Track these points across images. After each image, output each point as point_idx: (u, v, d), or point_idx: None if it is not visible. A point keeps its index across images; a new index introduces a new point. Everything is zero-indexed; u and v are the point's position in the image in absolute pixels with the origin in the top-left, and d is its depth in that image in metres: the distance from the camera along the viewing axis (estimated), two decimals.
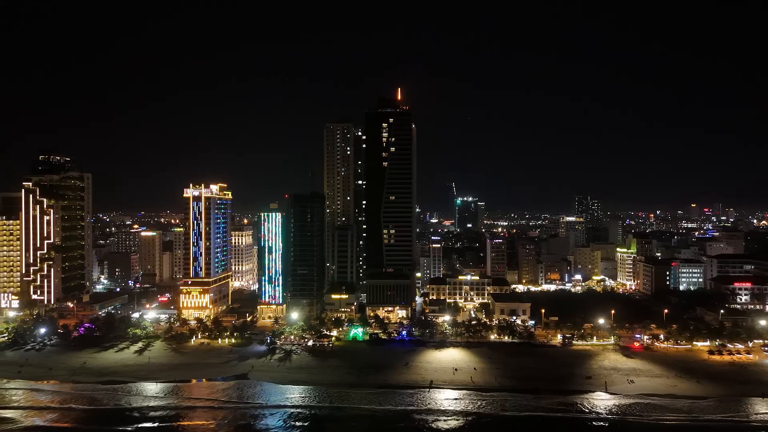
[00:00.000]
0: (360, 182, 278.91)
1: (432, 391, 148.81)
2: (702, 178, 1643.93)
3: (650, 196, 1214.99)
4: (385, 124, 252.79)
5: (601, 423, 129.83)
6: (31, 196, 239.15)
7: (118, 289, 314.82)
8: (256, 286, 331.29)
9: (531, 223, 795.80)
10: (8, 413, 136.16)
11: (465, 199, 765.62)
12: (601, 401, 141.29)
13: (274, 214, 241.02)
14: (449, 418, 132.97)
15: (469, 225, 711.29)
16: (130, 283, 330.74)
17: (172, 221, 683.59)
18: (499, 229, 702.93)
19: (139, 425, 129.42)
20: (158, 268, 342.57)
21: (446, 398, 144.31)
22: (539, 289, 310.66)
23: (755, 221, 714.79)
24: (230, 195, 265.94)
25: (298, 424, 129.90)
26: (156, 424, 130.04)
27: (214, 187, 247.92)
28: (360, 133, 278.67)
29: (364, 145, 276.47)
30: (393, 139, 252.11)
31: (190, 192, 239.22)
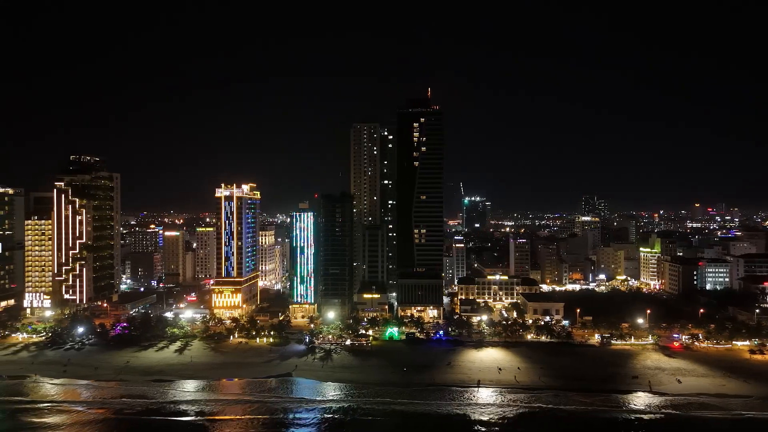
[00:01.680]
0: (386, 182, 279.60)
1: (481, 390, 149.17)
2: (700, 179, 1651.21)
3: (650, 196, 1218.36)
4: (416, 124, 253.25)
5: (660, 416, 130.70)
6: (63, 195, 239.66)
7: (142, 289, 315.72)
8: (278, 286, 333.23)
9: (536, 223, 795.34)
10: (64, 407, 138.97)
11: (473, 198, 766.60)
12: (653, 400, 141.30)
13: (305, 213, 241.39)
14: (504, 413, 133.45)
15: (477, 225, 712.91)
16: (153, 283, 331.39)
17: (176, 221, 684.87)
18: (507, 229, 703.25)
19: (197, 418, 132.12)
20: (182, 268, 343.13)
21: (497, 396, 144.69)
22: (563, 288, 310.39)
23: (759, 221, 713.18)
24: (259, 195, 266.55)
25: (358, 418, 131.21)
26: (209, 418, 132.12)
27: (245, 187, 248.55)
28: (386, 133, 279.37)
29: (390, 145, 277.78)
30: (424, 138, 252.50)
31: (221, 192, 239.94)
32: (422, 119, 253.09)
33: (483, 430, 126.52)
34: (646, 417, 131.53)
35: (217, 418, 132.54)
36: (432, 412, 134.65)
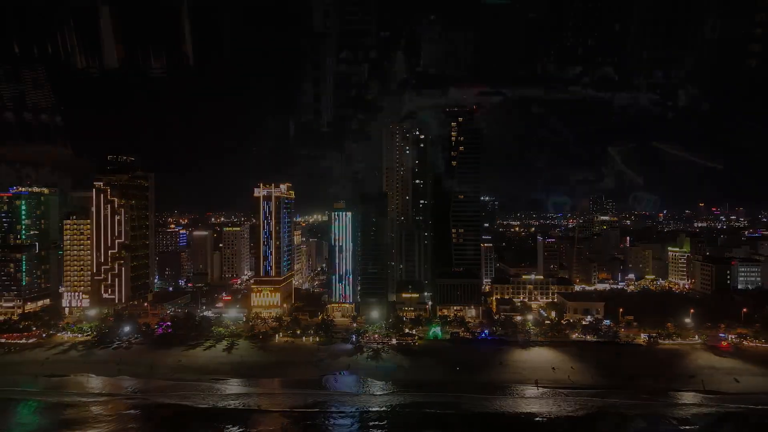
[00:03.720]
0: (417, 181, 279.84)
1: (540, 389, 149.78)
2: (700, 177, 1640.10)
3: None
4: (453, 123, 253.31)
5: (730, 414, 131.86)
6: (102, 195, 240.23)
7: (170, 289, 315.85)
8: (306, 285, 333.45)
9: (541, 222, 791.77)
10: (137, 400, 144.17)
11: (482, 198, 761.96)
12: (716, 398, 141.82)
13: (343, 213, 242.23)
14: (570, 412, 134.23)
15: (486, 224, 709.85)
16: (181, 282, 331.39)
17: (180, 221, 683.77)
18: (516, 228, 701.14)
19: (265, 410, 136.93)
20: (210, 268, 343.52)
21: (557, 395, 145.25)
22: (593, 288, 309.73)
23: (765, 220, 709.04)
24: (293, 194, 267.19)
25: (425, 412, 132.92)
26: (275, 410, 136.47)
27: (283, 187, 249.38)
28: (417, 132, 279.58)
29: (422, 144, 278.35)
30: (462, 138, 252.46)
31: (260, 192, 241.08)
32: (460, 118, 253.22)
33: (551, 429, 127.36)
34: (714, 413, 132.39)
35: (281, 410, 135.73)
36: (496, 410, 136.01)
